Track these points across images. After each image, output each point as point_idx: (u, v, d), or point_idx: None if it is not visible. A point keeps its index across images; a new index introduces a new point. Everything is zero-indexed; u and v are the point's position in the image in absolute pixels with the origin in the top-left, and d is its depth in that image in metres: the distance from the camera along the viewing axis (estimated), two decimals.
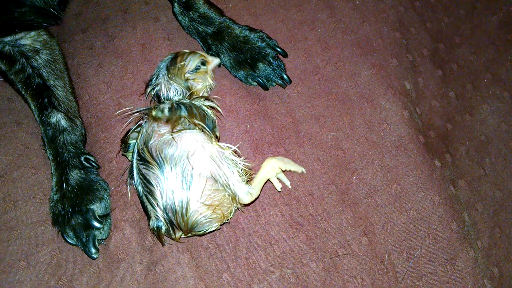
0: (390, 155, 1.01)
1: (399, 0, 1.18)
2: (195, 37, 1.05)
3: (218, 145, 0.85)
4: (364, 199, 0.97)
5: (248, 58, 1.01)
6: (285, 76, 1.02)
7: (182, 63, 0.93)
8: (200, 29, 1.02)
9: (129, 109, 0.92)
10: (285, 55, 1.04)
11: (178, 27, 1.09)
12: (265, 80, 1.02)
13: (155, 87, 0.92)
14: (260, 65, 1.01)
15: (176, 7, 1.03)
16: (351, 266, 0.92)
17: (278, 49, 1.03)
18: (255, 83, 1.03)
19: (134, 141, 0.89)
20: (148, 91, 0.93)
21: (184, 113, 0.84)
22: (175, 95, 0.91)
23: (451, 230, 0.96)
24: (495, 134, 1.07)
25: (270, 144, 1.00)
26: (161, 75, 0.92)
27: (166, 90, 0.91)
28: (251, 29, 1.04)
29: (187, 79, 0.93)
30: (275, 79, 1.02)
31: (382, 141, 1.02)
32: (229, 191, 0.84)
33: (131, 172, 0.86)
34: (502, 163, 1.04)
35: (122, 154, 0.93)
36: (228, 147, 0.86)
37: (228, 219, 0.88)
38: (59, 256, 0.90)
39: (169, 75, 0.92)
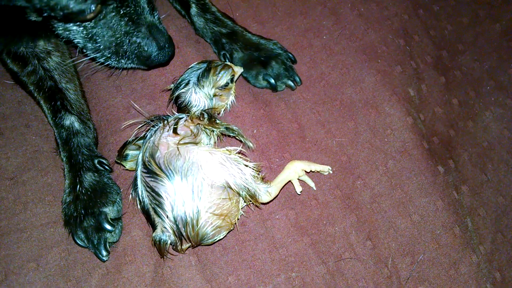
0: (394, 160, 1.02)
1: (403, 7, 1.20)
2: (208, 38, 1.08)
3: (224, 150, 0.86)
4: (368, 204, 0.98)
5: (262, 56, 1.04)
6: (297, 78, 1.05)
7: (215, 77, 0.93)
8: (215, 29, 1.06)
9: (133, 122, 0.92)
10: (295, 60, 1.07)
11: (186, 35, 1.11)
12: (275, 79, 1.03)
13: (181, 93, 0.93)
14: (273, 63, 1.04)
15: (194, 8, 1.07)
16: (355, 270, 0.93)
17: (289, 54, 1.07)
18: (264, 83, 1.05)
19: (133, 151, 0.90)
20: (175, 95, 0.94)
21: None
22: (196, 105, 0.93)
23: (454, 235, 0.97)
24: (497, 141, 1.08)
25: (276, 149, 1.02)
26: (191, 83, 0.93)
27: (190, 97, 0.92)
28: (264, 37, 1.08)
29: (215, 95, 0.94)
30: (286, 80, 1.04)
31: (386, 146, 1.04)
32: (246, 191, 0.84)
33: (135, 184, 0.86)
34: (504, 169, 1.05)
35: (117, 162, 0.93)
36: (234, 149, 0.87)
37: (233, 226, 0.89)
38: (68, 257, 0.91)
39: (198, 85, 0.93)
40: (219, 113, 0.99)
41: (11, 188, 0.96)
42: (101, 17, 0.82)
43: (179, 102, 0.94)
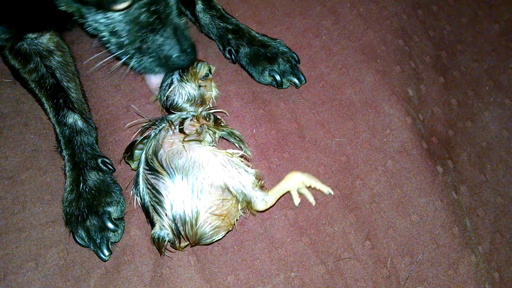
0: (393, 160, 1.02)
1: (402, 7, 1.20)
2: (213, 34, 1.08)
3: (227, 152, 0.86)
4: (367, 204, 0.99)
5: (268, 52, 1.05)
6: (302, 77, 1.05)
7: (195, 69, 0.95)
8: (221, 24, 1.07)
9: (137, 122, 0.93)
10: (299, 61, 1.07)
11: None
12: (281, 76, 1.04)
13: (168, 94, 0.94)
14: (280, 60, 1.05)
15: (200, 5, 1.08)
16: (354, 270, 0.93)
17: (294, 54, 1.07)
18: (270, 79, 1.05)
19: (139, 151, 0.90)
20: (164, 97, 0.94)
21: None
22: (188, 98, 0.93)
23: (453, 235, 0.97)
24: (496, 141, 1.08)
25: (275, 149, 1.02)
26: (175, 81, 0.94)
27: (179, 95, 0.93)
28: (267, 36, 1.09)
29: (199, 86, 0.95)
30: (291, 77, 1.05)
31: (385, 146, 1.04)
32: (243, 196, 0.84)
33: (136, 181, 0.86)
34: (503, 169, 1.06)
35: (126, 162, 0.94)
36: (236, 152, 0.87)
37: (232, 227, 0.89)
38: (67, 257, 0.91)
39: (182, 81, 0.93)
40: (209, 102, 0.99)
41: (10, 188, 0.96)
42: (132, 10, 0.82)
43: (169, 104, 0.94)
